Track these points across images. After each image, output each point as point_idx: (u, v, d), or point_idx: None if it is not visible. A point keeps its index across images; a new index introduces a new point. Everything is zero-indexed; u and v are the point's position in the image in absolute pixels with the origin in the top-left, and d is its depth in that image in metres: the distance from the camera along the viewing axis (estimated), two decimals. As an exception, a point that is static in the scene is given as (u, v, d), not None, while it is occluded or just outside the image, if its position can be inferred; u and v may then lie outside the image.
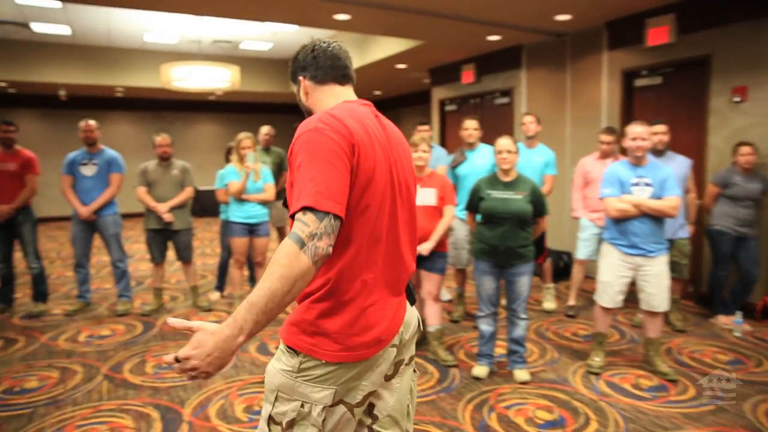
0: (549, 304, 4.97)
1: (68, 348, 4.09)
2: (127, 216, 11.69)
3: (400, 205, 1.46)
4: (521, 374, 3.43)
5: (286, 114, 14.12)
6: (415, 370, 1.62)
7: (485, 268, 3.48)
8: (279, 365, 1.40)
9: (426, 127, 4.97)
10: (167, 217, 4.77)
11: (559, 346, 4.09)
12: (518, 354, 3.48)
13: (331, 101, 1.49)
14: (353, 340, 1.36)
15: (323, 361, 1.35)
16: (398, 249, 1.46)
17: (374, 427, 1.51)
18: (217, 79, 8.16)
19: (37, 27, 8.59)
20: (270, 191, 4.76)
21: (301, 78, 1.54)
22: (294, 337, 1.38)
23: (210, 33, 9.13)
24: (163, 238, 4.92)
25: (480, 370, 3.52)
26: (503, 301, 4.00)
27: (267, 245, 4.87)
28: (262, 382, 1.54)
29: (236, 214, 4.74)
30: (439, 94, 9.13)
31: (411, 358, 1.58)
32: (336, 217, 1.24)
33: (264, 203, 4.76)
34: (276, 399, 1.39)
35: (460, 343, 4.19)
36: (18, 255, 5.05)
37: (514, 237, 3.35)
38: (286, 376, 1.37)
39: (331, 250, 1.24)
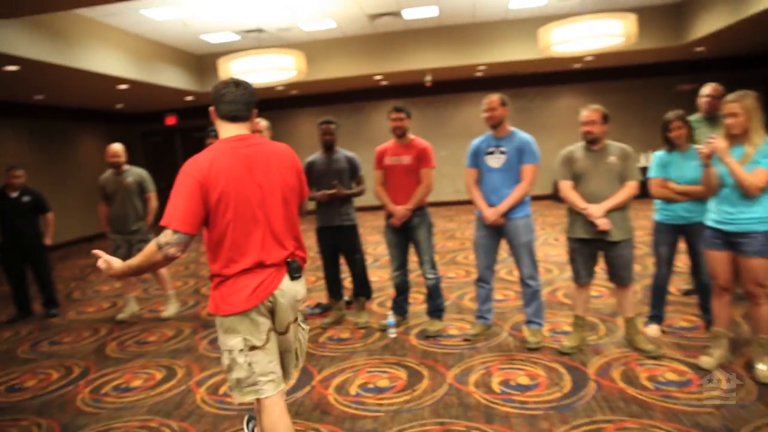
0: None
1: (484, 402, 3.04)
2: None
3: (256, 210, 2.02)
4: None
5: (669, 75, 11.43)
6: (300, 325, 2.26)
7: None
8: (217, 329, 2.10)
9: None
10: (602, 223, 3.35)
11: None
12: None
13: (222, 133, 2.10)
14: (233, 298, 2.00)
15: (224, 316, 2.02)
16: (255, 241, 2.02)
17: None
18: (606, 34, 6.44)
19: (408, 13, 8.34)
20: (756, 179, 2.89)
21: (211, 109, 2.11)
22: (211, 305, 2.07)
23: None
24: (593, 250, 3.52)
25: None
26: None
27: (764, 269, 3.00)
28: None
29: (709, 214, 3.06)
30: None
31: (295, 319, 2.20)
32: (183, 233, 1.92)
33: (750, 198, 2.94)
34: (222, 354, 2.09)
35: None
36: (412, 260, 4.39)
37: None
38: (219, 332, 2.08)
39: (179, 254, 1.95)
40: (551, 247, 7.03)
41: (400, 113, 4.04)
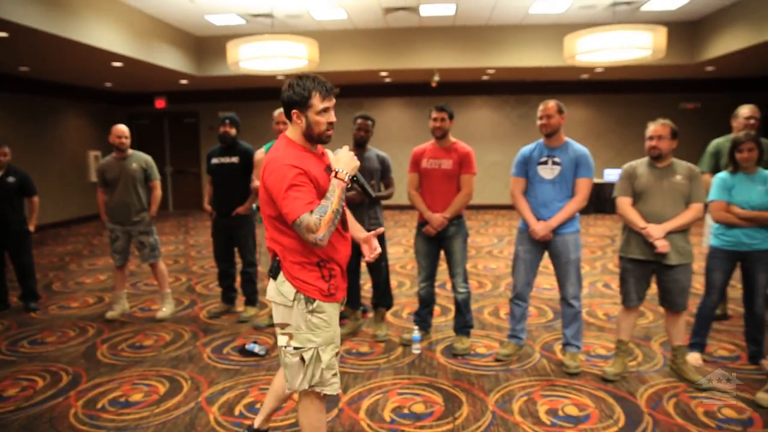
0: None
1: (536, 436, 2.76)
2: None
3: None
4: None
5: (671, 93, 11.36)
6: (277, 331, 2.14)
7: None
8: None
9: None
10: (661, 245, 3.10)
11: None
12: None
13: None
14: None
15: None
16: None
17: None
18: (633, 46, 6.23)
19: (425, 10, 8.03)
20: None
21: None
22: None
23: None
24: (647, 272, 3.27)
25: None
26: None
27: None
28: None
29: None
30: None
31: (279, 326, 2.12)
32: None
33: None
34: None
35: None
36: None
37: None
38: None
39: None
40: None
41: (442, 113, 3.71)
